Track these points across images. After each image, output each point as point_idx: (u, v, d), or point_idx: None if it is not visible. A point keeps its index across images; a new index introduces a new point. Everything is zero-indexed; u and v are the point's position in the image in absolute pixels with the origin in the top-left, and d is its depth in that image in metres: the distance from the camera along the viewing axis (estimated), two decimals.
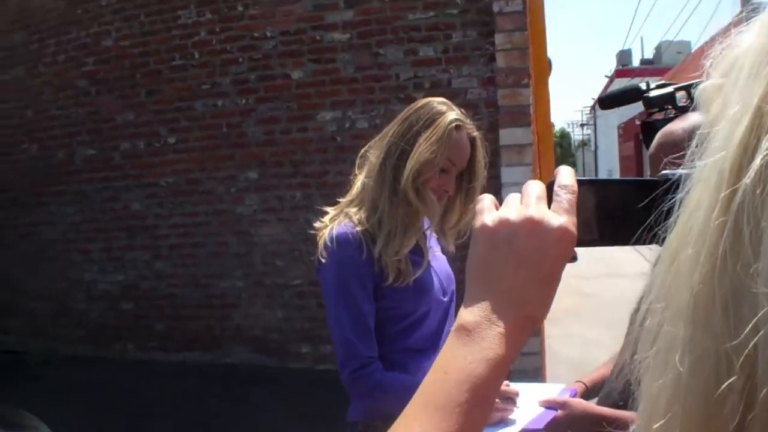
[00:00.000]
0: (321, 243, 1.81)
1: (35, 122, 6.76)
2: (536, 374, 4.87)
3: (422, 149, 1.78)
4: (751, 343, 0.34)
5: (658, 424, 0.41)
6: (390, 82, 5.43)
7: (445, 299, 1.95)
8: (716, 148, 0.39)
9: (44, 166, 6.68)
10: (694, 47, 25.44)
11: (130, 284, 6.31)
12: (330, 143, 5.52)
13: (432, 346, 1.88)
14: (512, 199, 0.65)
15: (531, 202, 0.63)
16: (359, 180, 1.90)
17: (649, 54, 45.45)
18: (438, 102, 1.88)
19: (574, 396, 1.71)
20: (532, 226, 0.61)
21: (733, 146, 0.37)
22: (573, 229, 0.62)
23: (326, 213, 1.91)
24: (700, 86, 0.45)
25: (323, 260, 1.80)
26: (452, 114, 1.84)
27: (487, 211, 0.64)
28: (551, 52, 6.00)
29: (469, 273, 0.64)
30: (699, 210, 0.39)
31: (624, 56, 46.29)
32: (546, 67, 5.42)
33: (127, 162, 6.22)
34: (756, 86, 0.37)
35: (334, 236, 1.78)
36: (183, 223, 6.04)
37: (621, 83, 37.69)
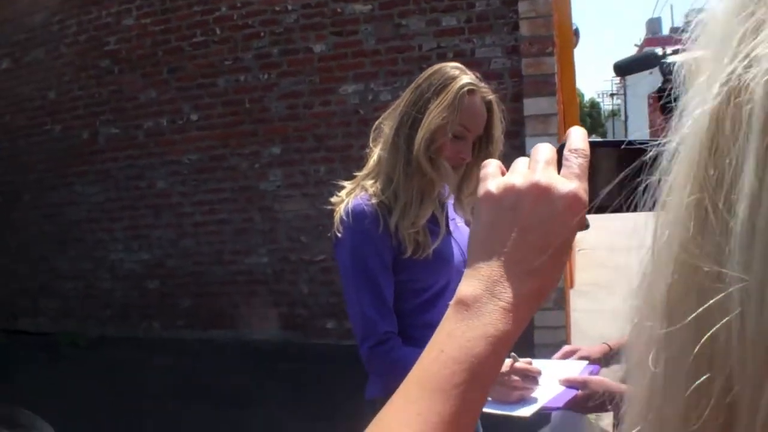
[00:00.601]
0: (337, 217, 1.77)
1: (58, 103, 6.78)
2: (560, 348, 4.82)
3: (433, 116, 1.73)
4: (723, 338, 0.30)
5: None
6: (413, 53, 5.36)
7: (456, 272, 1.88)
8: (690, 122, 0.34)
9: (68, 146, 6.70)
10: None
11: (155, 263, 6.32)
12: (353, 116, 5.47)
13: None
14: (519, 164, 0.61)
15: (538, 167, 0.58)
16: (375, 153, 1.85)
17: (678, 22, 44.86)
18: (451, 67, 1.81)
19: (596, 373, 1.67)
20: (539, 193, 0.57)
21: (704, 120, 0.33)
22: (584, 195, 0.57)
23: (343, 187, 1.85)
24: (677, 59, 0.40)
25: (339, 235, 1.76)
26: (465, 78, 1.78)
27: (492, 177, 0.61)
28: (579, 22, 5.93)
29: (470, 243, 0.61)
30: (673, 190, 0.36)
31: (653, 24, 45.77)
32: (571, 35, 5.34)
33: (151, 140, 6.22)
34: (726, 53, 0.32)
35: (350, 210, 1.73)
36: (207, 200, 6.03)
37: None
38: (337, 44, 5.55)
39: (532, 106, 4.97)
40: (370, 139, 1.87)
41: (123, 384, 5.29)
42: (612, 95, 69.91)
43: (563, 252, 0.58)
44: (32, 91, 6.97)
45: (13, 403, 0.76)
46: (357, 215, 1.72)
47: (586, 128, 0.63)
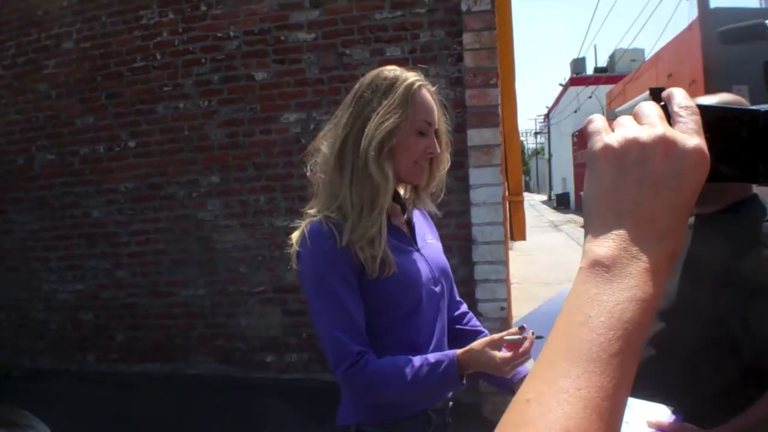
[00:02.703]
0: (294, 248, 1.71)
1: None
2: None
3: (384, 117, 1.67)
4: None
5: None
6: (355, 82, 5.27)
7: (437, 290, 1.82)
8: None
9: (3, 172, 6.47)
10: (648, 55, 25.71)
11: (89, 294, 6.10)
12: (294, 145, 5.36)
13: (427, 342, 1.78)
14: (626, 120, 0.58)
15: (656, 122, 0.56)
16: (315, 178, 1.79)
17: (602, 62, 45.95)
18: (388, 69, 1.77)
19: (681, 421, 1.60)
20: (667, 147, 0.54)
21: None
22: (707, 152, 0.55)
23: (295, 229, 1.78)
24: None
25: (298, 263, 1.71)
26: (412, 75, 1.75)
27: (605, 130, 0.58)
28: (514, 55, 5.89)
29: (592, 200, 0.57)
30: None
31: (578, 64, 46.89)
32: (513, 67, 5.30)
33: (87, 167, 6.03)
34: None
35: (306, 234, 1.68)
36: (144, 229, 5.84)
37: (576, 91, 38.17)
38: (279, 72, 5.45)
39: (475, 136, 4.93)
40: (308, 166, 1.80)
41: (56, 417, 5.07)
42: (536, 134, 71.43)
43: (689, 212, 0.55)
44: None
45: (10, 403, 0.70)
46: (314, 237, 1.67)
47: None
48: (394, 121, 1.68)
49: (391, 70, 1.76)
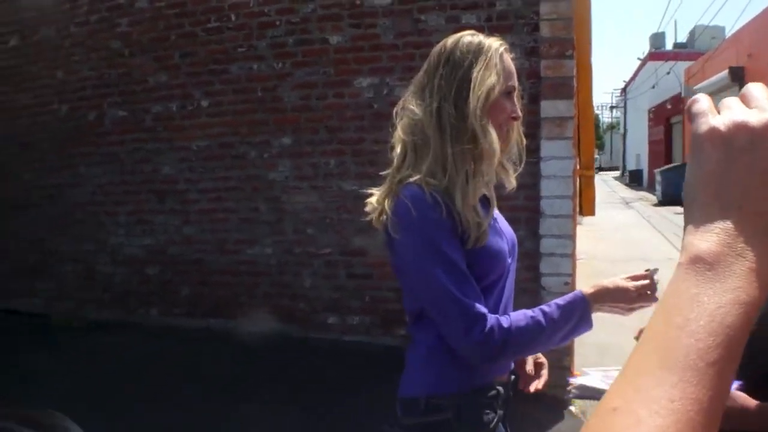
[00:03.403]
0: (389, 215, 1.66)
1: (66, 83, 6.69)
2: (565, 354, 4.78)
3: (482, 78, 1.69)
4: None
5: None
6: (430, 49, 5.23)
7: (510, 261, 1.83)
8: None
9: (74, 127, 6.62)
10: (729, 33, 25.15)
11: (157, 249, 6.24)
12: (367, 110, 5.41)
13: (499, 311, 1.76)
14: (733, 102, 0.53)
15: (767, 105, 0.51)
16: (401, 142, 1.76)
17: (682, 38, 44.86)
18: (469, 34, 1.78)
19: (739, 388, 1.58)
20: None
21: None
22: None
23: (372, 194, 1.75)
24: None
25: (400, 231, 1.65)
26: (494, 40, 1.78)
27: (711, 112, 0.53)
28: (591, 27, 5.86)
29: (695, 188, 0.52)
30: None
31: (657, 39, 45.54)
32: (590, 39, 5.28)
33: (159, 125, 6.14)
34: None
35: (409, 200, 1.63)
36: (214, 187, 5.95)
37: (654, 66, 37.52)
38: (354, 37, 5.49)
39: (549, 108, 4.92)
40: (397, 124, 1.77)
41: (116, 368, 5.23)
42: (612, 108, 70.15)
43: None
44: (40, 70, 6.88)
45: (44, 405, 0.73)
46: (420, 203, 1.62)
47: None
48: (493, 79, 1.70)
49: (474, 35, 1.78)
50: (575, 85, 5.03)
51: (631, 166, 47.70)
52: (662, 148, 34.84)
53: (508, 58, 1.78)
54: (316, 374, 5.06)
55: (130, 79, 6.27)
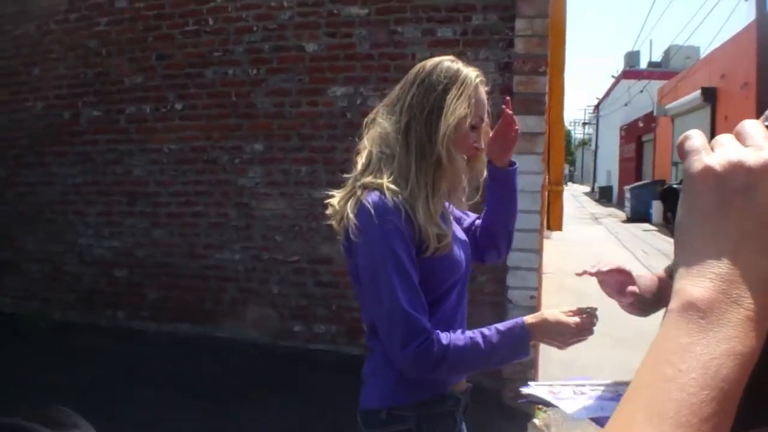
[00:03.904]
0: (351, 219, 1.67)
1: (42, 80, 6.65)
2: (529, 367, 4.78)
3: (455, 106, 1.72)
4: None
5: None
6: (405, 61, 5.28)
7: (465, 267, 1.86)
8: None
9: (48, 125, 6.58)
10: (703, 53, 25.44)
11: (125, 251, 6.20)
12: (339, 119, 5.40)
13: (452, 319, 1.80)
14: (727, 139, 0.50)
15: (764, 144, 0.48)
16: (367, 149, 1.79)
17: (657, 57, 45.35)
18: (449, 60, 1.82)
19: None
20: None
21: None
22: None
23: (333, 196, 1.78)
24: None
25: (360, 234, 1.66)
26: (472, 70, 1.81)
27: (705, 150, 0.50)
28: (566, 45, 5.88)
29: (687, 231, 0.49)
30: None
31: (632, 57, 46.19)
32: (563, 57, 5.30)
33: (132, 126, 6.11)
34: None
35: (371, 206, 1.65)
36: (184, 191, 5.92)
37: (627, 84, 38.01)
38: (330, 45, 5.49)
39: (520, 123, 4.92)
40: (364, 134, 1.81)
41: (80, 368, 5.18)
42: (584, 124, 70.75)
43: None
44: (18, 66, 6.84)
45: (54, 403, 0.72)
46: (383, 210, 1.65)
47: None
48: (464, 110, 1.73)
49: (454, 62, 1.82)
50: (547, 101, 5.05)
51: (602, 182, 48.33)
52: (633, 166, 35.44)
53: (482, 90, 1.82)
54: (280, 382, 5.03)
55: (106, 79, 6.24)
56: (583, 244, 15.58)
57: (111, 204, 6.24)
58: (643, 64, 44.69)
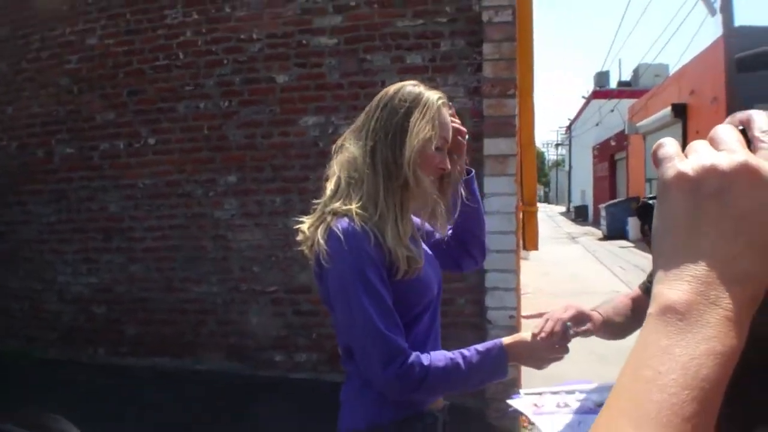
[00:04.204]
0: (322, 245, 1.69)
1: (15, 119, 6.64)
2: (512, 386, 4.78)
3: (418, 128, 1.76)
4: None
5: None
6: (375, 89, 5.23)
7: (436, 289, 1.89)
8: None
9: (23, 164, 6.56)
10: (672, 70, 25.67)
11: (103, 287, 6.17)
12: (312, 149, 5.42)
13: (426, 340, 1.82)
14: (700, 145, 0.51)
15: (736, 147, 0.49)
16: (336, 176, 1.82)
17: (626, 76, 45.69)
18: (411, 84, 1.86)
19: None
20: (750, 176, 0.48)
21: None
22: None
23: (303, 222, 1.81)
24: None
25: (330, 260, 1.68)
26: (434, 92, 1.85)
27: (678, 156, 0.51)
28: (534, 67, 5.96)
29: (663, 235, 0.50)
30: None
31: (602, 77, 46.57)
32: (532, 79, 5.36)
33: (106, 162, 6.11)
34: None
35: (341, 233, 1.67)
36: (159, 225, 5.91)
37: (598, 104, 38.26)
38: (300, 76, 5.52)
39: (491, 146, 4.98)
40: (333, 159, 1.85)
41: (63, 403, 5.12)
42: (557, 145, 71.24)
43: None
44: None
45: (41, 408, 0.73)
46: (352, 236, 1.68)
47: None
48: (428, 132, 1.77)
49: (416, 85, 1.86)
50: (517, 123, 5.09)
51: (577, 201, 48.55)
52: (607, 184, 35.60)
53: (445, 112, 1.86)
54: (263, 413, 5.00)
55: (78, 116, 6.24)
56: (561, 264, 15.70)
57: (87, 240, 6.21)
58: (613, 84, 44.97)
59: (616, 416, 0.45)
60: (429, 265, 1.86)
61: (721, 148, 0.50)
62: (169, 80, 5.85)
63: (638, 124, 24.30)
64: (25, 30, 6.62)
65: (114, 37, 6.08)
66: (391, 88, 1.86)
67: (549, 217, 45.42)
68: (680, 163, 0.50)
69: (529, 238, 5.46)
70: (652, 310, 0.48)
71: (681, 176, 0.49)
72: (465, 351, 1.73)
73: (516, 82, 5.04)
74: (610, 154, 35.25)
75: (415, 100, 1.80)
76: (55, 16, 6.41)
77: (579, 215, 42.12)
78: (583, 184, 45.86)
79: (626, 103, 31.39)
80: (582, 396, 1.77)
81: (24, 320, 6.64)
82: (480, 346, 1.75)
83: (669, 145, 0.52)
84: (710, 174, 0.48)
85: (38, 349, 6.47)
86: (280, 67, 5.57)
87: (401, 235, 1.72)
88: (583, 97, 48.21)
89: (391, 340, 1.65)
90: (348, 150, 1.82)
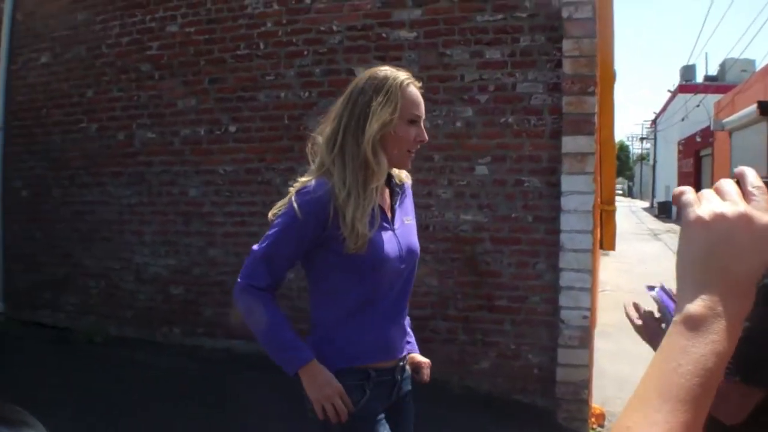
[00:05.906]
0: (293, 192, 2.04)
1: (95, 102, 6.84)
2: (583, 387, 4.84)
3: (380, 112, 1.98)
4: None
5: None
6: (454, 82, 5.40)
7: (402, 267, 2.11)
8: None
9: (103, 146, 6.77)
10: (759, 66, 24.82)
11: (181, 269, 6.37)
12: None
13: (382, 297, 2.09)
14: (710, 194, 0.69)
15: (737, 199, 0.67)
16: (316, 159, 2.13)
17: (713, 70, 44.33)
18: (381, 69, 2.09)
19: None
20: (747, 223, 0.65)
21: None
22: None
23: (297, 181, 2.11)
24: None
25: (288, 202, 2.04)
26: (402, 74, 2.07)
27: (696, 203, 0.68)
28: (614, 64, 5.93)
29: (686, 265, 0.68)
30: None
31: (688, 71, 45.04)
32: (612, 76, 5.36)
33: (187, 148, 6.28)
34: None
35: (313, 186, 2.00)
36: (239, 212, 6.08)
37: (683, 99, 37.14)
38: None
39: (570, 143, 4.99)
40: (309, 153, 2.18)
41: (135, 383, 5.34)
42: (642, 139, 69.64)
43: (760, 276, 0.66)
44: (70, 88, 7.04)
45: (7, 397, 0.75)
46: (319, 187, 1.99)
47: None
48: (387, 115, 1.98)
49: (383, 71, 2.08)
50: (597, 121, 5.10)
51: (661, 197, 47.46)
52: (692, 180, 34.48)
53: (413, 89, 2.06)
54: None
55: (159, 102, 6.41)
56: (643, 261, 15.43)
57: (167, 223, 6.41)
58: (699, 78, 43.44)
59: (649, 391, 0.62)
60: (394, 242, 2.09)
61: (726, 199, 0.67)
62: (250, 69, 5.98)
63: (724, 121, 23.63)
64: (104, 15, 6.78)
65: (195, 26, 6.22)
66: (363, 75, 2.09)
67: (632, 212, 44.29)
68: (699, 209, 0.68)
69: (606, 238, 5.47)
70: (677, 318, 0.65)
71: (699, 220, 0.67)
72: (284, 331, 2.06)
73: (596, 79, 5.04)
74: (695, 149, 34.30)
75: (379, 85, 2.01)
76: (133, 3, 6.56)
77: (662, 211, 40.87)
78: (667, 179, 44.70)
79: (712, 98, 30.39)
80: None
81: (99, 298, 6.88)
82: (294, 342, 2.06)
83: (688, 193, 0.70)
84: (720, 219, 0.66)
85: (113, 326, 6.70)
86: (359, 59, 5.63)
87: (361, 208, 1.95)
88: (669, 90, 47.03)
89: (263, 271, 2.00)
90: (324, 133, 2.11)
